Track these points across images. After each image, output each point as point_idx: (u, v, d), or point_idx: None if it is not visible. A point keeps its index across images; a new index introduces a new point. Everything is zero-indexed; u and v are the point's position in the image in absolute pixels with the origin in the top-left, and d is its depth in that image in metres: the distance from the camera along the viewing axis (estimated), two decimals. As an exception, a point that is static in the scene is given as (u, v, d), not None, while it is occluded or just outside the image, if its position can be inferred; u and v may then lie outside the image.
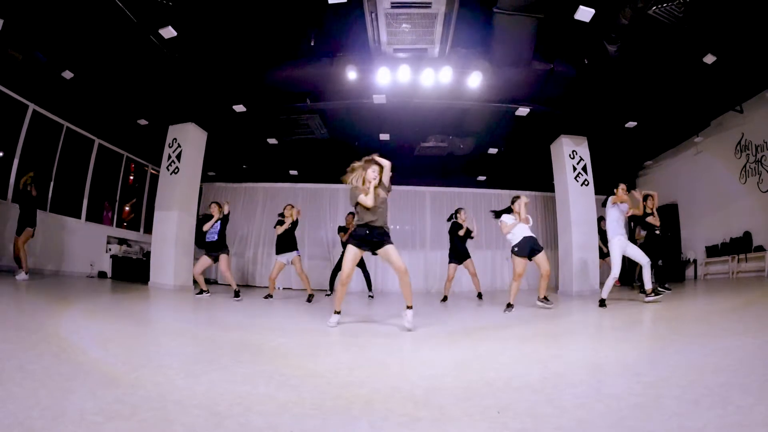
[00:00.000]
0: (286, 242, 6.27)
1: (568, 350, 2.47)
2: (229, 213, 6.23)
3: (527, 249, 4.78)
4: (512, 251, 4.89)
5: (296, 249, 6.30)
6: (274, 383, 1.62)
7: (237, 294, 5.84)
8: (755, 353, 1.99)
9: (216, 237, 6.00)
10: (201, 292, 5.99)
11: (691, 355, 2.04)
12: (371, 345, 2.68)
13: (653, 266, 7.26)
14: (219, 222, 6.05)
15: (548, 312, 4.54)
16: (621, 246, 4.92)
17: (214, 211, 6.08)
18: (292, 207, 6.47)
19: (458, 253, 6.50)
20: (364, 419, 1.26)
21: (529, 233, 4.88)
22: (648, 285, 4.75)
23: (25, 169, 6.16)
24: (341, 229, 7.70)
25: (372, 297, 7.22)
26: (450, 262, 6.55)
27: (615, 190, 5.10)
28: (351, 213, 7.46)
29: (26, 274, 5.39)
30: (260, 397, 1.46)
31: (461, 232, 6.45)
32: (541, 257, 4.78)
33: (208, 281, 10.17)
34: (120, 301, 4.76)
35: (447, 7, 4.85)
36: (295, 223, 6.37)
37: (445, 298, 6.45)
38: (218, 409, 1.30)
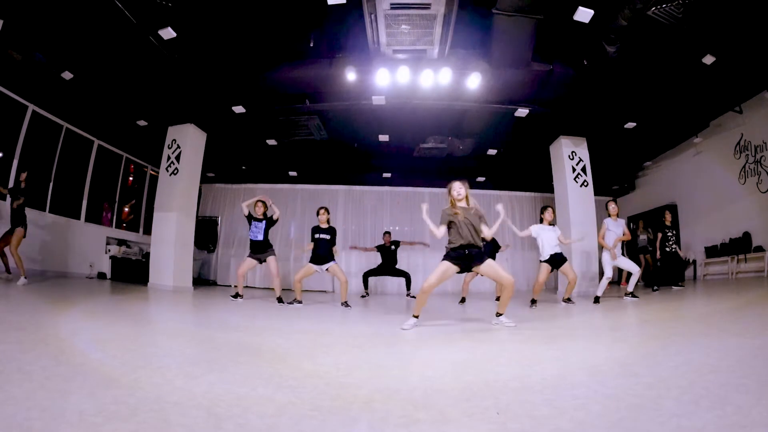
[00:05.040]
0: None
1: (567, 351, 2.46)
2: (272, 215, 5.79)
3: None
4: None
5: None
6: (273, 384, 1.62)
7: (280, 300, 5.53)
8: (755, 353, 1.99)
9: (261, 237, 5.65)
10: (237, 295, 5.70)
11: (690, 355, 2.04)
12: (370, 346, 2.67)
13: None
14: (264, 222, 5.69)
15: (547, 313, 4.54)
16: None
17: (260, 210, 5.70)
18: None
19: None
20: (364, 420, 1.26)
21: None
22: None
23: (25, 169, 6.13)
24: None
25: (412, 297, 7.18)
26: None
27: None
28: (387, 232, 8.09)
29: (25, 278, 5.16)
30: (259, 398, 1.45)
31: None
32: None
33: (207, 281, 10.22)
34: (119, 302, 4.75)
35: (446, 8, 4.85)
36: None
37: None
38: (217, 410, 1.30)
